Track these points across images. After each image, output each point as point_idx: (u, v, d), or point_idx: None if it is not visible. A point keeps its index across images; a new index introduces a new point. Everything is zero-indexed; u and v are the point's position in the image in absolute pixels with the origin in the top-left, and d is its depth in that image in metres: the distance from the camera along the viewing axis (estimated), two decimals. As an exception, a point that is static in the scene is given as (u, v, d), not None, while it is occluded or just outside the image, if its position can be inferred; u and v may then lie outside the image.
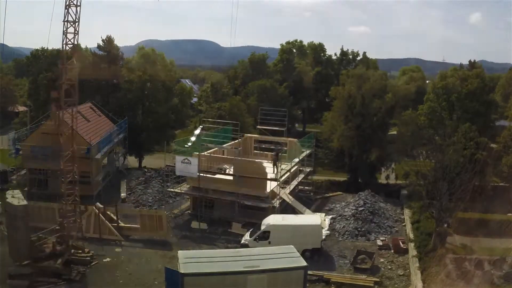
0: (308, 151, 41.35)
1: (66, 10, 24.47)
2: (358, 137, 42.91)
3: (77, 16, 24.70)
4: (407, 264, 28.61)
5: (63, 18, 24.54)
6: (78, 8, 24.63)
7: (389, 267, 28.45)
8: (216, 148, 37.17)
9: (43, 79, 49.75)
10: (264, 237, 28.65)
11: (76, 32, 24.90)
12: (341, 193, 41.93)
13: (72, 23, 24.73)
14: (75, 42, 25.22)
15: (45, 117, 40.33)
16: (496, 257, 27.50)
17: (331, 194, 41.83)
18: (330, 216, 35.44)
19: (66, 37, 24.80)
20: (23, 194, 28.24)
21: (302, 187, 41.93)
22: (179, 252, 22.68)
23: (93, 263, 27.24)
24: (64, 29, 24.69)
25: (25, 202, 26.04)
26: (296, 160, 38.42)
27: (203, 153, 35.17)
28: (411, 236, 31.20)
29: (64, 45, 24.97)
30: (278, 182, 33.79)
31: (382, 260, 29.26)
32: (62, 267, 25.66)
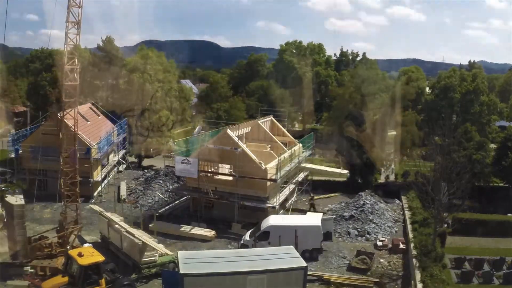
0: (308, 152, 41.23)
1: (68, 11, 24.50)
2: (358, 137, 42.91)
3: (79, 17, 24.70)
4: (407, 264, 28.62)
5: (65, 19, 24.54)
6: (80, 9, 24.67)
7: (389, 267, 28.47)
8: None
9: (42, 79, 49.76)
10: (264, 237, 28.60)
11: (78, 32, 24.90)
12: (340, 193, 41.93)
13: (74, 24, 24.75)
14: (77, 43, 25.22)
15: (45, 117, 40.29)
16: (496, 257, 27.61)
17: (330, 195, 41.82)
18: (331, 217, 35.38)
19: (68, 38, 24.77)
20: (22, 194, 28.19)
21: (302, 187, 41.90)
22: (179, 252, 22.66)
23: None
24: (66, 29, 24.69)
25: (22, 202, 26.05)
26: (296, 160, 38.38)
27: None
28: (411, 236, 31.20)
29: (66, 46, 24.98)
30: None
31: (382, 260, 29.28)
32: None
